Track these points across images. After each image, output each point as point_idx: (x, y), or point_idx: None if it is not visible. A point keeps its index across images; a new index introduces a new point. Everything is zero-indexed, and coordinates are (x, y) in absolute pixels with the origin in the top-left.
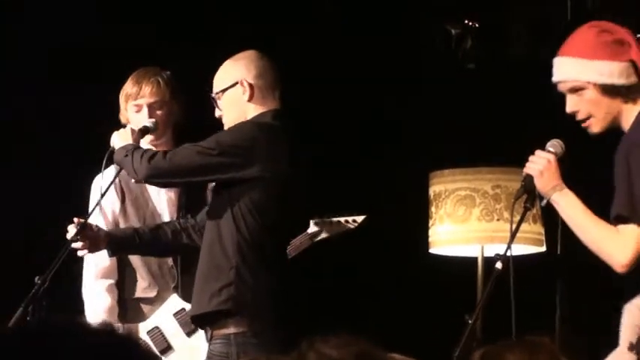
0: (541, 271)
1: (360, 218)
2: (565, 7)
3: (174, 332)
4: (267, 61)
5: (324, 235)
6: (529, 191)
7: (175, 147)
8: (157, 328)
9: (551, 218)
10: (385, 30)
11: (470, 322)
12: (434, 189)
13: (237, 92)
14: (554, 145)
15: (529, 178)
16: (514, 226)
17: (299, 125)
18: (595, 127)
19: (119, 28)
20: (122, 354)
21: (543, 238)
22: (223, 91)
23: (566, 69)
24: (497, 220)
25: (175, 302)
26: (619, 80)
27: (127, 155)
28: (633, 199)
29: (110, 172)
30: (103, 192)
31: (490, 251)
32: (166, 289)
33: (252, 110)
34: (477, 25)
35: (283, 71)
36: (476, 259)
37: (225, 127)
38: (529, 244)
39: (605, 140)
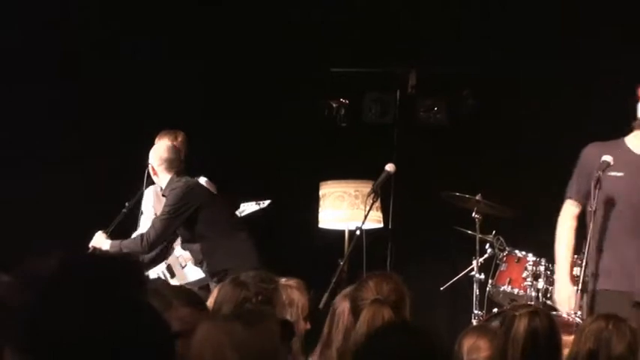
0: (379, 237)
1: (266, 202)
2: (395, 93)
3: None
4: (170, 147)
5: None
6: (375, 192)
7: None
8: None
9: (385, 209)
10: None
11: (341, 263)
12: (322, 191)
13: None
14: (391, 165)
15: (377, 186)
16: (367, 211)
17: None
18: None
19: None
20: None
21: (382, 219)
22: (149, 165)
23: None
24: (357, 209)
25: None
26: None
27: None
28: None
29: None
30: (128, 207)
31: (352, 226)
32: None
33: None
34: (347, 102)
35: None
36: (344, 230)
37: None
38: (374, 222)
39: None
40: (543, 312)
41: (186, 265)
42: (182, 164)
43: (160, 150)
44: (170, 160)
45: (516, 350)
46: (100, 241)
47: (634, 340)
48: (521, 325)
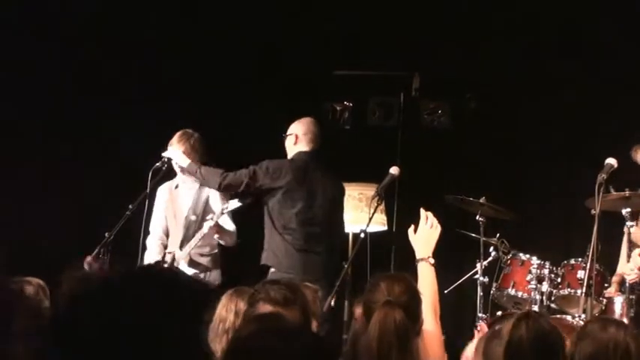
0: (383, 240)
1: (248, 199)
2: (399, 97)
3: None
4: (306, 124)
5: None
6: (379, 195)
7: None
8: None
9: (389, 212)
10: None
11: (345, 266)
12: None
13: (290, 139)
14: (395, 168)
15: (381, 189)
16: (371, 213)
17: None
18: None
19: None
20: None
21: (386, 222)
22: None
23: None
24: (361, 212)
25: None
26: None
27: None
28: None
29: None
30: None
31: (356, 229)
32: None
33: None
34: (351, 104)
35: None
36: (348, 233)
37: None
38: (378, 225)
39: None
40: (534, 318)
41: (178, 265)
42: (317, 145)
43: (312, 124)
44: (314, 133)
45: (498, 356)
46: (178, 155)
47: (634, 342)
48: (505, 331)
